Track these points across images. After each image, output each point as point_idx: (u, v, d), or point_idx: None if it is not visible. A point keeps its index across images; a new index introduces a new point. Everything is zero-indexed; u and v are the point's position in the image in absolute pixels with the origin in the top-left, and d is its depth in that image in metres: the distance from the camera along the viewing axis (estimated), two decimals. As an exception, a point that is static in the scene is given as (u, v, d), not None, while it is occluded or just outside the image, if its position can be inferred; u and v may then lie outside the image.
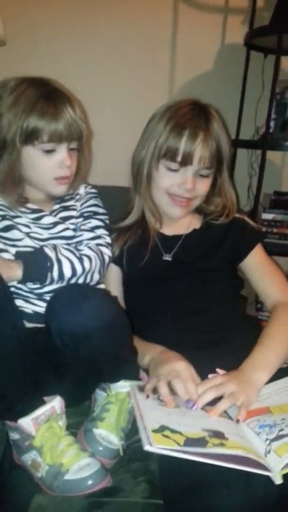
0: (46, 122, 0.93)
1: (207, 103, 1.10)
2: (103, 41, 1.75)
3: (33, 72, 1.00)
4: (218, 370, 0.94)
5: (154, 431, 0.74)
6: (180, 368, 0.90)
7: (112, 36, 1.75)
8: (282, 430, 0.77)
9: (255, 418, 0.83)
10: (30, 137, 0.94)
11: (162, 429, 0.75)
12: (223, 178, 1.14)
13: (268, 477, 0.69)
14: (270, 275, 1.13)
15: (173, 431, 0.74)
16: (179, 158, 1.02)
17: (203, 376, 0.91)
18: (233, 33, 1.82)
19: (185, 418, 0.80)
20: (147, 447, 0.70)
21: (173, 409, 0.84)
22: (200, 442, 0.72)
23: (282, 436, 0.75)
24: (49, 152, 0.97)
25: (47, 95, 0.94)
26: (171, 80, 1.84)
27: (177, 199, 1.08)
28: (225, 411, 0.86)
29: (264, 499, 0.69)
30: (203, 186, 1.09)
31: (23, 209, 1.03)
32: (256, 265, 1.14)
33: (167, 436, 0.72)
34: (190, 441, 0.72)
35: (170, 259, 1.13)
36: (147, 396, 0.88)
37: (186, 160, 1.02)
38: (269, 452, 0.74)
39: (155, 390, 0.89)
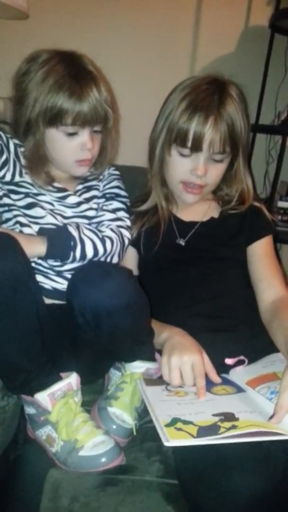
0: (71, 104, 0.90)
1: (228, 80, 1.04)
2: (125, 21, 1.71)
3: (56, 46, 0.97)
4: (227, 360, 0.95)
5: (167, 425, 0.74)
6: (194, 362, 0.87)
7: (134, 16, 1.71)
8: None
9: (265, 385, 0.84)
10: (54, 119, 0.92)
11: (174, 422, 0.75)
12: (239, 163, 1.10)
13: (286, 460, 0.70)
14: (275, 268, 1.11)
15: (185, 422, 0.75)
16: (189, 144, 1.00)
17: (214, 360, 0.92)
18: (258, 14, 1.78)
19: (195, 405, 0.81)
20: (166, 444, 0.70)
21: (182, 397, 0.84)
22: (212, 429, 0.72)
23: None
24: (71, 134, 0.95)
25: (74, 75, 0.91)
26: (193, 61, 1.80)
27: (190, 187, 1.07)
28: (230, 383, 0.88)
29: (282, 482, 0.69)
30: (216, 172, 1.06)
31: (48, 188, 1.02)
32: (263, 255, 1.11)
33: (180, 429, 0.73)
34: (203, 430, 0.72)
35: (183, 243, 1.11)
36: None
37: (197, 146, 1.00)
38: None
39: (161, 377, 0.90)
